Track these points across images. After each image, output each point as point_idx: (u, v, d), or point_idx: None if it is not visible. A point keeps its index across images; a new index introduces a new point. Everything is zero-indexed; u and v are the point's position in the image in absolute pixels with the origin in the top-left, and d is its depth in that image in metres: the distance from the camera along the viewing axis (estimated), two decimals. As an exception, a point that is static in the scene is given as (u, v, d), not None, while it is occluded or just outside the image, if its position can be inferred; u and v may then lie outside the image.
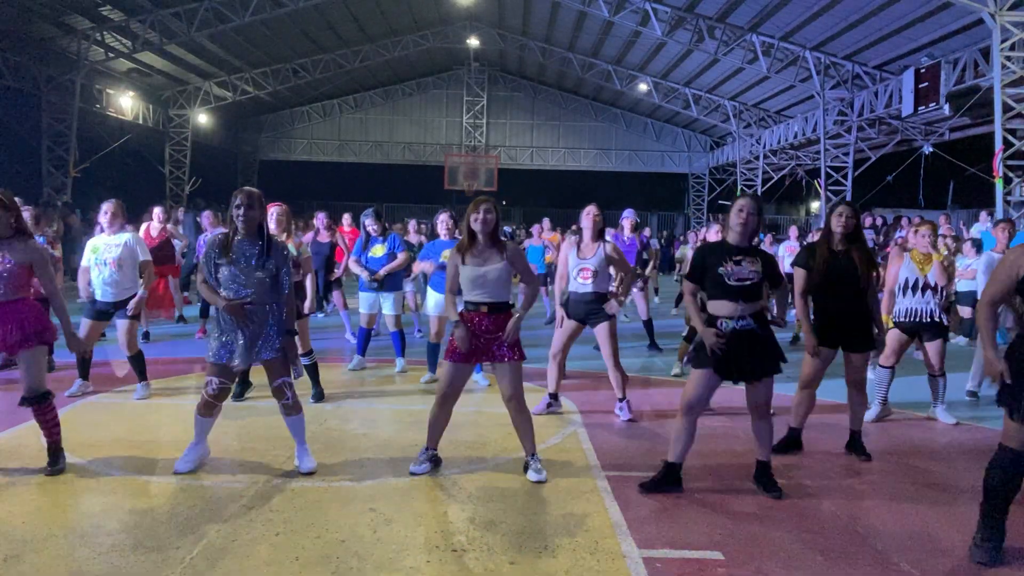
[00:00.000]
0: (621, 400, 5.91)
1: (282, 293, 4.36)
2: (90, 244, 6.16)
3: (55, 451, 4.38)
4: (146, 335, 8.90)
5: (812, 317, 4.98)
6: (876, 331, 5.00)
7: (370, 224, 7.35)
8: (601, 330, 5.86)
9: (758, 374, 4.19)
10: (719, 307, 4.16)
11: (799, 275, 4.98)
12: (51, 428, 4.36)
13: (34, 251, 4.33)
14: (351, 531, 3.63)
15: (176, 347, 8.66)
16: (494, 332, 4.36)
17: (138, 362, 6.17)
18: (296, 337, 6.08)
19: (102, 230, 6.24)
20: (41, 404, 4.32)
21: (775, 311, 4.55)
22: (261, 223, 4.33)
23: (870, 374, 5.26)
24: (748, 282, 4.11)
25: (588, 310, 5.85)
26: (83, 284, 6.13)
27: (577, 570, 3.29)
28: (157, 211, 10.30)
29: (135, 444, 4.93)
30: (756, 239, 4.43)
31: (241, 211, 4.23)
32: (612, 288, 6.06)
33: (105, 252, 6.01)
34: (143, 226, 9.95)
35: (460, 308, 4.52)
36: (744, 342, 4.11)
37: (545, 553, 3.44)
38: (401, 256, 7.32)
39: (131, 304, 6.02)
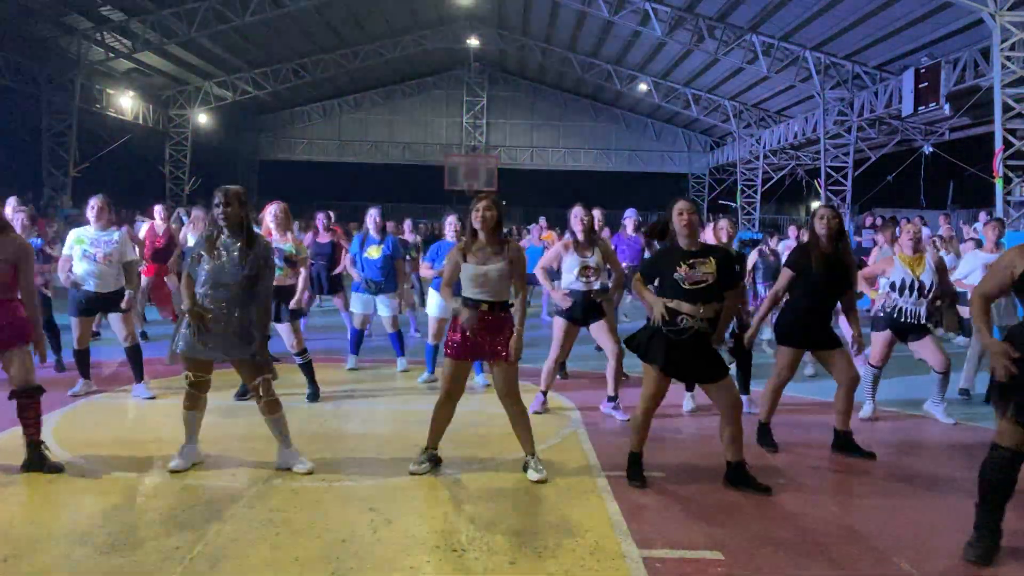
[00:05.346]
0: (613, 399, 5.94)
1: (258, 296, 4.33)
2: (75, 234, 6.01)
3: (34, 447, 4.29)
4: (144, 335, 8.88)
5: (787, 317, 5.08)
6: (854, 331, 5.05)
7: (374, 215, 7.37)
8: (599, 328, 5.87)
9: (705, 378, 4.25)
10: (679, 306, 4.20)
11: (785, 275, 5.06)
12: (30, 425, 4.29)
13: (20, 248, 4.28)
14: (351, 531, 3.63)
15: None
16: (493, 330, 4.37)
17: (136, 356, 6.14)
18: (293, 335, 6.15)
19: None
20: (30, 399, 4.29)
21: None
22: (242, 221, 4.32)
23: (860, 371, 5.28)
24: (703, 284, 4.15)
25: (585, 311, 5.85)
26: (64, 271, 6.03)
27: (577, 570, 3.29)
28: (158, 209, 10.27)
29: (135, 444, 4.93)
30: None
31: (219, 209, 4.28)
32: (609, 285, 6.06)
33: (93, 246, 5.94)
34: (145, 224, 9.90)
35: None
36: (700, 344, 4.18)
37: (545, 553, 3.44)
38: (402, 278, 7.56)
39: (124, 303, 6.02)
